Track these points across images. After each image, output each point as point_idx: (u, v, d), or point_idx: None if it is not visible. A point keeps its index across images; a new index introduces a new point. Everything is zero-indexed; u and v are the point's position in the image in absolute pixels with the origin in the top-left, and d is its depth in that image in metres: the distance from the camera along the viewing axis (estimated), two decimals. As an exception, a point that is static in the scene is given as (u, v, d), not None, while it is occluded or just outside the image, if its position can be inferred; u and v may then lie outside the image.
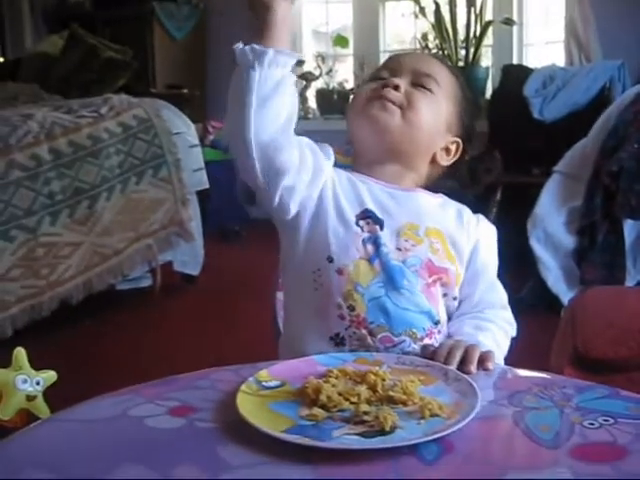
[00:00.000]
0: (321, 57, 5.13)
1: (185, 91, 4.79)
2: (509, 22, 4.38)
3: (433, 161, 1.28)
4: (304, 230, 1.17)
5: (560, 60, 4.34)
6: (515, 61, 4.60)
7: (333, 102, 4.99)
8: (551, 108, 3.83)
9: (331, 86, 5.13)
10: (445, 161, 1.28)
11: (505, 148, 3.81)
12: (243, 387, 0.87)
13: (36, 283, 2.87)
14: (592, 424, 0.81)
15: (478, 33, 4.41)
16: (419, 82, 1.23)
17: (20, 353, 1.05)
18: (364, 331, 1.12)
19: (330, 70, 5.13)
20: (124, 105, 3.33)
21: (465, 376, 0.90)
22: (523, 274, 3.25)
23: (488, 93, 4.48)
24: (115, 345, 2.89)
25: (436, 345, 1.10)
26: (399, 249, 1.16)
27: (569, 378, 1.00)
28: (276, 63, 1.08)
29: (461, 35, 4.46)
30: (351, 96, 1.35)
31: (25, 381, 1.06)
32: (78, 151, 3.06)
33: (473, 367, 0.99)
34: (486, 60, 4.72)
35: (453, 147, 1.28)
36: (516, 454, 0.78)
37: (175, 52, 5.02)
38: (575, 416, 0.83)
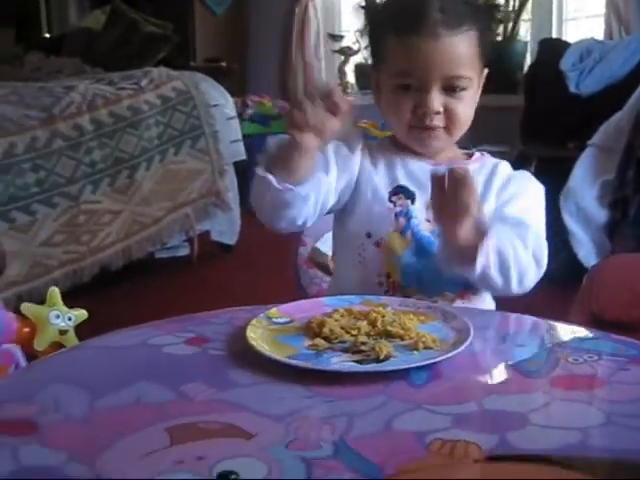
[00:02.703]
0: (360, 32, 5.15)
1: (223, 64, 4.86)
2: (548, -4, 4.37)
3: None
4: (346, 214, 1.30)
5: (600, 35, 4.31)
6: (555, 36, 4.58)
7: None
8: (588, 82, 3.82)
9: (369, 61, 5.15)
10: (478, 98, 1.30)
11: (541, 122, 3.83)
12: (253, 321, 0.94)
13: (78, 249, 2.97)
14: (576, 360, 0.87)
15: (517, 7, 4.40)
16: (452, 86, 1.22)
17: (54, 292, 1.14)
18: (400, 295, 1.19)
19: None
20: (163, 78, 3.41)
21: (462, 316, 0.96)
22: (555, 247, 3.27)
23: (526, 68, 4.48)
24: (151, 308, 2.98)
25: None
26: (428, 220, 1.24)
27: (567, 325, 1.04)
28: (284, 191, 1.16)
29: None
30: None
31: (58, 316, 1.15)
32: (118, 122, 3.15)
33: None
34: (526, 35, 4.71)
35: (482, 80, 1.29)
36: (498, 382, 0.85)
37: (215, 27, 5.09)
38: (562, 353, 0.89)
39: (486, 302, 1.28)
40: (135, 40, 4.23)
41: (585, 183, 3.26)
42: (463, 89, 1.23)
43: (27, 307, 1.26)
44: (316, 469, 0.62)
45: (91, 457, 0.64)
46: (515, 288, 1.18)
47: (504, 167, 1.32)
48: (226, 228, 3.71)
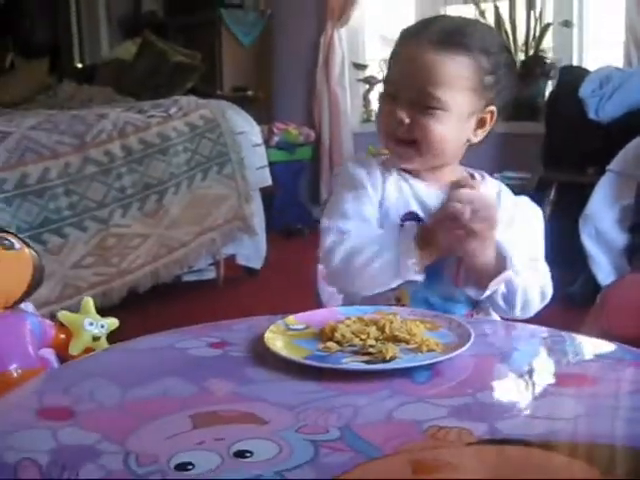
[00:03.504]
0: (384, 61, 5.25)
1: (250, 93, 4.98)
2: (568, 24, 4.44)
3: (468, 140, 1.31)
4: None
5: (619, 62, 4.38)
6: (575, 63, 4.65)
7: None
8: (607, 108, 3.88)
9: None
10: (481, 134, 1.31)
11: (561, 148, 3.89)
12: (272, 327, 1.02)
13: (107, 271, 3.07)
14: (567, 362, 0.93)
15: (537, 35, 4.48)
16: (424, 103, 1.22)
17: (88, 301, 1.23)
18: None
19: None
20: (191, 106, 3.52)
21: (467, 325, 1.03)
22: (575, 270, 3.31)
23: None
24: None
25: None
26: None
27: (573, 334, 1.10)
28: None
29: (521, 38, 4.54)
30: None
31: (91, 324, 1.23)
32: (148, 148, 3.26)
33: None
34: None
35: (488, 117, 1.29)
36: (492, 380, 0.92)
37: (243, 57, 5.22)
38: (554, 356, 0.96)
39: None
40: (164, 70, 4.37)
41: (604, 207, 3.30)
42: (435, 108, 1.22)
43: (63, 315, 1.35)
44: (323, 449, 0.69)
45: (122, 437, 0.72)
46: (517, 314, 1.26)
47: (506, 196, 1.35)
48: (252, 252, 3.79)
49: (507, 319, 1.29)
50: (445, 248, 1.21)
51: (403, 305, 1.26)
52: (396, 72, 1.27)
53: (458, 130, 1.26)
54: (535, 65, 4.49)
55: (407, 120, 1.23)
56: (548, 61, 4.39)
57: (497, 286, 1.22)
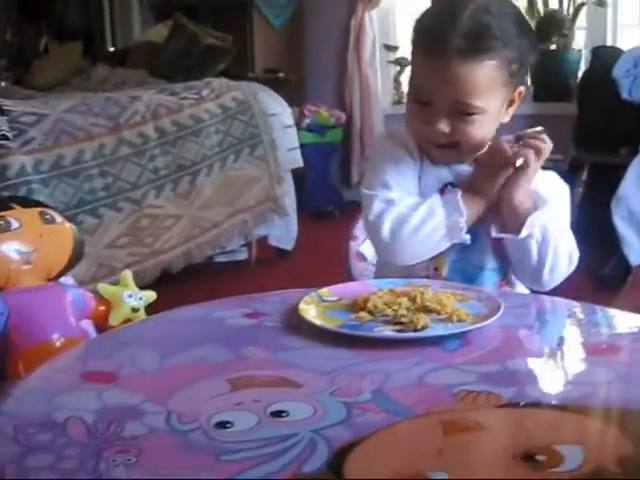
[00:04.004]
0: (415, 43, 5.24)
1: (281, 75, 5.00)
2: (602, 3, 4.40)
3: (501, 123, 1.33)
4: None
5: (654, 42, 4.33)
6: (609, 43, 4.60)
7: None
8: (640, 88, 3.85)
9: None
10: (511, 112, 1.32)
11: (594, 129, 3.87)
12: (306, 298, 1.04)
13: (141, 251, 3.11)
14: (597, 332, 0.95)
15: (571, 15, 4.44)
16: (462, 111, 1.24)
17: (127, 274, 1.27)
18: None
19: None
20: (223, 88, 3.55)
21: (497, 297, 1.04)
22: (607, 252, 3.31)
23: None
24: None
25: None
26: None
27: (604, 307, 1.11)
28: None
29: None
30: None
31: (130, 296, 1.27)
32: (181, 130, 3.29)
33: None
34: (580, 43, 4.74)
35: (516, 95, 1.30)
36: (520, 348, 0.94)
37: (274, 39, 5.23)
38: (584, 327, 0.97)
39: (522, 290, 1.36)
40: (196, 52, 4.39)
41: (637, 188, 3.29)
42: (474, 114, 1.23)
43: (103, 287, 1.40)
44: (355, 410, 0.72)
45: (163, 399, 0.75)
46: (546, 275, 1.27)
47: None
48: (283, 234, 3.82)
49: (535, 292, 1.31)
50: (492, 193, 1.25)
51: (440, 275, 1.30)
52: (425, 81, 1.26)
53: (495, 123, 1.30)
54: (569, 45, 4.45)
55: (447, 129, 1.25)
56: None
57: (537, 221, 1.23)
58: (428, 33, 1.25)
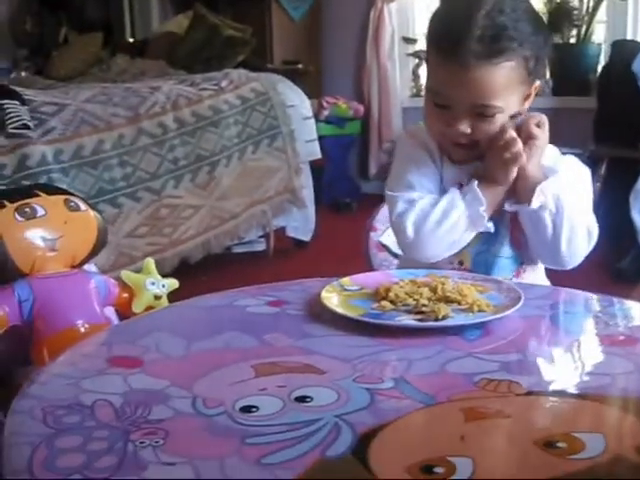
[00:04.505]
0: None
1: (300, 66, 5.00)
2: (623, -3, 4.37)
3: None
4: None
5: (675, 36, 4.30)
6: (630, 37, 4.57)
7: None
8: (660, 83, 3.83)
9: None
10: (527, 105, 1.32)
11: (612, 123, 3.85)
12: (328, 287, 1.06)
13: (160, 240, 3.13)
14: (615, 323, 0.96)
15: (591, 9, 4.42)
16: (482, 112, 1.24)
17: (149, 262, 1.28)
18: None
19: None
20: (243, 79, 3.56)
21: (516, 287, 1.05)
22: (625, 245, 3.30)
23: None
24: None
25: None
26: None
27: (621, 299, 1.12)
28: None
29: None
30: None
31: (153, 283, 1.29)
32: (200, 121, 3.31)
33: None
34: (600, 36, 4.71)
35: (533, 90, 1.31)
36: (540, 338, 0.94)
37: (292, 31, 5.23)
38: (602, 318, 0.98)
39: (539, 280, 1.37)
40: (216, 43, 4.40)
41: (655, 183, 3.28)
42: (493, 115, 1.24)
43: (126, 274, 1.41)
44: (378, 397, 0.73)
45: (189, 384, 0.77)
46: (564, 248, 1.25)
47: (550, 151, 1.35)
48: (301, 225, 3.83)
49: (554, 271, 1.32)
50: (507, 180, 1.26)
51: (465, 268, 1.31)
52: (442, 86, 1.26)
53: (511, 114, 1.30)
54: (588, 39, 4.42)
55: (469, 130, 1.26)
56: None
57: (548, 191, 1.23)
58: (443, 36, 1.25)
